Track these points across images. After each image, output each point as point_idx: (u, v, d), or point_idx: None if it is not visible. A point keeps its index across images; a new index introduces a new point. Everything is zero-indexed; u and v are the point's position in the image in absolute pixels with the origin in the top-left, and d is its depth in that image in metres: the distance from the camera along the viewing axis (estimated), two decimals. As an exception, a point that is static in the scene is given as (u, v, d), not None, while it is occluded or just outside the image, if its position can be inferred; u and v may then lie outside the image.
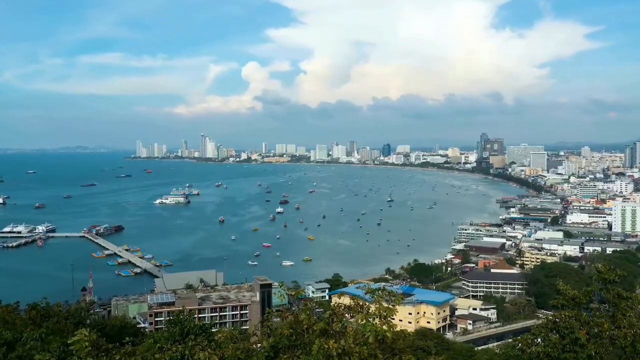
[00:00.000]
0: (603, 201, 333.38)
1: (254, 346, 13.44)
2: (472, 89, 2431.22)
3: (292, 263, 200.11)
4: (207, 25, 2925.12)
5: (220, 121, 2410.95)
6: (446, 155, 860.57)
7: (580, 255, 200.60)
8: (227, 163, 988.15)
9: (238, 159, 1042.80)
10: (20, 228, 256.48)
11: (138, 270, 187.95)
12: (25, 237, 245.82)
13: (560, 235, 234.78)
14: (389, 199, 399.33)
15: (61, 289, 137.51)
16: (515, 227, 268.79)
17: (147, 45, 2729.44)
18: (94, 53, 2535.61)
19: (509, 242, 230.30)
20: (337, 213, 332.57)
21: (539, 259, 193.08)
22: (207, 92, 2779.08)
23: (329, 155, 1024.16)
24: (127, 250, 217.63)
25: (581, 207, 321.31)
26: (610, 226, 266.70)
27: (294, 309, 78.76)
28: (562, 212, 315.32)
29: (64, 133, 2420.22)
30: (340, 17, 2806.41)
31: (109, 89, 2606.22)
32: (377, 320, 12.76)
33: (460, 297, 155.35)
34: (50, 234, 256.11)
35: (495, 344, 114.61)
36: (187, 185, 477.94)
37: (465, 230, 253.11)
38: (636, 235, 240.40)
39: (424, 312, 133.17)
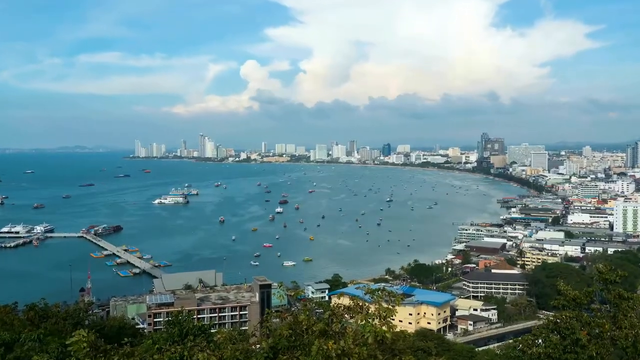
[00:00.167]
0: (604, 201, 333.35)
1: (253, 347, 13.35)
2: (472, 89, 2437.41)
3: (293, 263, 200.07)
4: (205, 24, 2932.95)
5: (220, 121, 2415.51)
6: (447, 155, 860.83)
7: (581, 255, 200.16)
8: (226, 163, 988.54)
9: (237, 159, 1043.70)
10: (18, 228, 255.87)
11: (137, 270, 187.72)
12: (24, 237, 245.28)
13: (561, 235, 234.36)
14: (388, 199, 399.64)
15: (59, 289, 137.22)
16: (516, 227, 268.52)
17: (145, 44, 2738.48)
18: (92, 52, 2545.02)
19: (509, 243, 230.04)
20: (337, 213, 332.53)
21: (539, 259, 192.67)
22: (206, 92, 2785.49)
23: (328, 155, 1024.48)
24: (125, 250, 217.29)
25: (582, 207, 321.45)
26: (611, 226, 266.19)
27: (293, 309, 78.84)
28: (563, 212, 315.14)
29: (63, 133, 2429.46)
30: (339, 16, 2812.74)
31: (108, 88, 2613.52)
32: (376, 321, 12.68)
33: (460, 297, 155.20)
34: (49, 234, 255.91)
35: (496, 344, 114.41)
36: (186, 185, 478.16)
37: (466, 230, 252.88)
38: (637, 236, 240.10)
39: (424, 313, 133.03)
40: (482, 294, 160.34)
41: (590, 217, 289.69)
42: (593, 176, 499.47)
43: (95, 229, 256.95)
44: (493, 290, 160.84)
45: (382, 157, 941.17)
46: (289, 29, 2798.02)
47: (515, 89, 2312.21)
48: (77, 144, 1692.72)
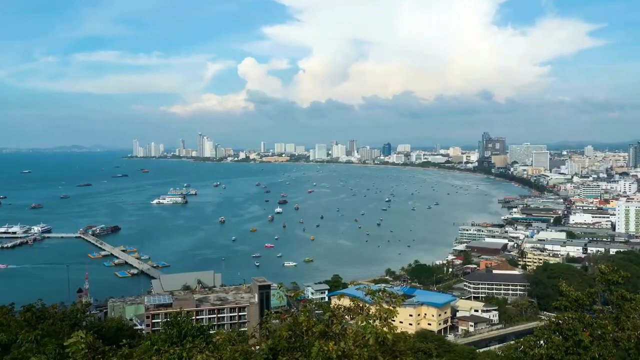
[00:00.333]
0: (606, 201, 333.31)
1: (253, 348, 13.27)
2: (472, 88, 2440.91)
3: (294, 264, 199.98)
4: (203, 23, 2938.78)
5: (218, 120, 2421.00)
6: (447, 155, 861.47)
7: (583, 256, 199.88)
8: (225, 162, 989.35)
9: (236, 159, 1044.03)
10: (15, 228, 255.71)
11: (135, 271, 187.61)
12: (21, 237, 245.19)
13: (563, 235, 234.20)
14: (387, 199, 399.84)
15: (57, 290, 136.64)
16: (518, 227, 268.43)
17: (143, 43, 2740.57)
18: (89, 51, 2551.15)
19: (511, 243, 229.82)
20: (336, 213, 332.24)
21: (541, 259, 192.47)
22: (204, 91, 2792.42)
23: (328, 154, 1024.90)
24: (123, 251, 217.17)
25: (584, 208, 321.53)
26: (613, 226, 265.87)
27: (293, 310, 78.86)
28: (565, 212, 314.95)
29: (60, 132, 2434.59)
30: (338, 14, 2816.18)
31: (105, 87, 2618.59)
32: (377, 322, 12.61)
33: (461, 298, 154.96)
34: (46, 235, 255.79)
35: (497, 346, 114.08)
36: (185, 185, 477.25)
37: (467, 230, 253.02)
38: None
39: (425, 314, 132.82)
40: (483, 295, 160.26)
41: (592, 217, 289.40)
42: (595, 176, 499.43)
43: (93, 229, 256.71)
44: (494, 291, 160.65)
45: (382, 157, 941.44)
46: (288, 28, 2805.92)
47: (515, 88, 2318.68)
48: (74, 143, 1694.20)
